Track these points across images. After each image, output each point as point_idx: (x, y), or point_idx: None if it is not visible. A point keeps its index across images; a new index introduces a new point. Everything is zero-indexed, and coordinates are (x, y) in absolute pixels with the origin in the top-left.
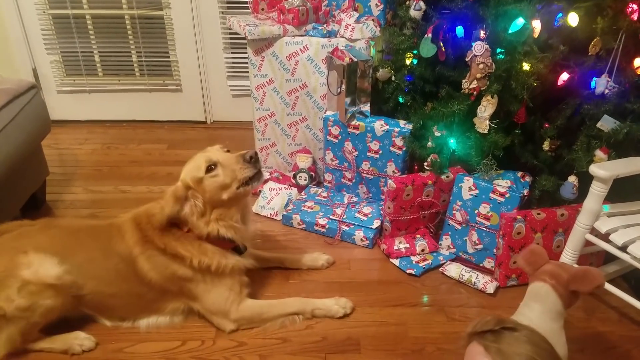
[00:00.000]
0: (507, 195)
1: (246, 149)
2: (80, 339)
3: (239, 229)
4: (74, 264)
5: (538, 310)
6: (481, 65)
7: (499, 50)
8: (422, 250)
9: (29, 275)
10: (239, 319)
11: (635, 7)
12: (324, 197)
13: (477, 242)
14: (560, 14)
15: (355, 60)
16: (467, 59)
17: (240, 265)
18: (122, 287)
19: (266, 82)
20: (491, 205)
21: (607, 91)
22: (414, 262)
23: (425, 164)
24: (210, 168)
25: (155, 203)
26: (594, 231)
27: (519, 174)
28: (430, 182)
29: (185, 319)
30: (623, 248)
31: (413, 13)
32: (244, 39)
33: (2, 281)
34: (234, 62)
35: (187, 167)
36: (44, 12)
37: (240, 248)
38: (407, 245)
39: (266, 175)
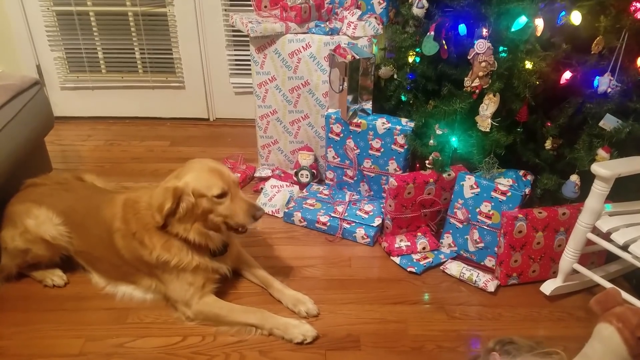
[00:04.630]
0: (509, 193)
1: (248, 146)
2: (54, 275)
3: (212, 238)
4: (73, 225)
5: (600, 351)
6: (483, 64)
7: (501, 48)
8: (423, 248)
9: (32, 227)
10: (197, 312)
11: (638, 5)
12: (325, 194)
13: (478, 240)
14: (563, 12)
15: (358, 57)
16: (469, 57)
17: (207, 267)
18: (103, 253)
19: (268, 79)
20: (492, 204)
21: (609, 90)
22: (414, 260)
23: (427, 162)
24: (220, 195)
25: (148, 190)
26: (595, 230)
27: (521, 172)
28: (431, 180)
29: (161, 300)
30: (624, 247)
31: (416, 11)
32: (247, 36)
33: (14, 222)
34: (236, 60)
35: (198, 176)
36: (48, 8)
37: (216, 250)
38: (408, 243)
39: (268, 172)
